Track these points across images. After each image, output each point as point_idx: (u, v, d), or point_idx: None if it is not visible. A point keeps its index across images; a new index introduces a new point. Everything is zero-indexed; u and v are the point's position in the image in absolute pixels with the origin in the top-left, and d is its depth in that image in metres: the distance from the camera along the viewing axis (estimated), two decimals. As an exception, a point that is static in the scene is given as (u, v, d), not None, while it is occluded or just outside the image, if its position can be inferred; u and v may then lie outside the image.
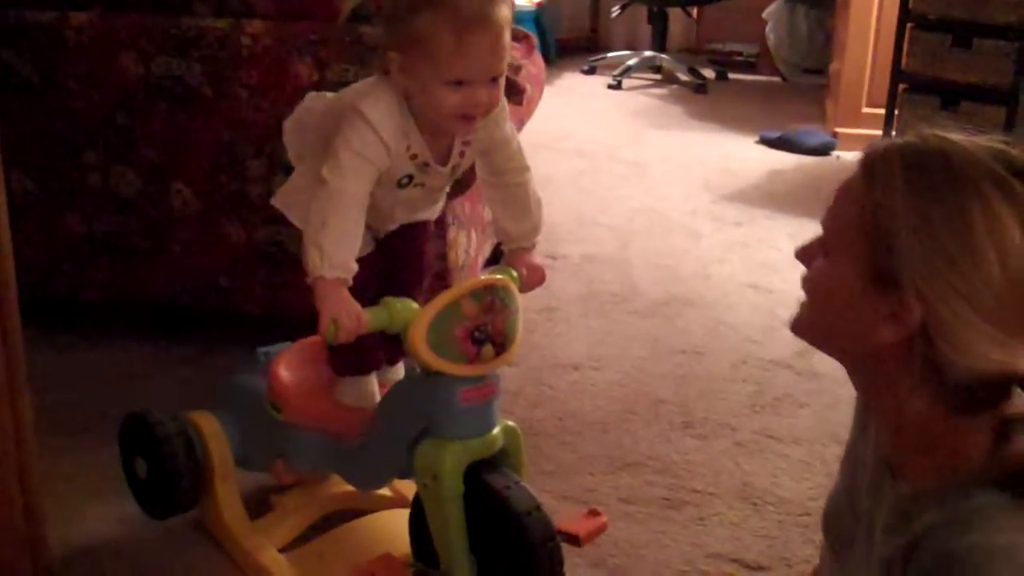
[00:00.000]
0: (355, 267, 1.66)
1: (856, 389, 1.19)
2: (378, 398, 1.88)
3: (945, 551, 1.00)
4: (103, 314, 2.77)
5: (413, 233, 1.94)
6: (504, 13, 1.64)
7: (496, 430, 1.71)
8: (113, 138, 2.53)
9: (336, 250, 1.64)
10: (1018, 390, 1.05)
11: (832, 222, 1.11)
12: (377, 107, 1.67)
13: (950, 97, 4.01)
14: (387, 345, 1.88)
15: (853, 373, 1.16)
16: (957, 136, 1.06)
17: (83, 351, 2.68)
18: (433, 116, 1.68)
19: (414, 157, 1.73)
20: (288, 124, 1.90)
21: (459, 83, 1.63)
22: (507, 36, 1.65)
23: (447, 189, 1.94)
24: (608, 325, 2.99)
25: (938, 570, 1.00)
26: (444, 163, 1.77)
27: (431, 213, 1.97)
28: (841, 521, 1.27)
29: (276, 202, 1.91)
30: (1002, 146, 1.04)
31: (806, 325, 1.16)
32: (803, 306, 1.16)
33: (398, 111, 1.69)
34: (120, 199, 2.58)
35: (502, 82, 1.68)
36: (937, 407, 1.05)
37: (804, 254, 1.15)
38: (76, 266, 2.67)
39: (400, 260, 1.93)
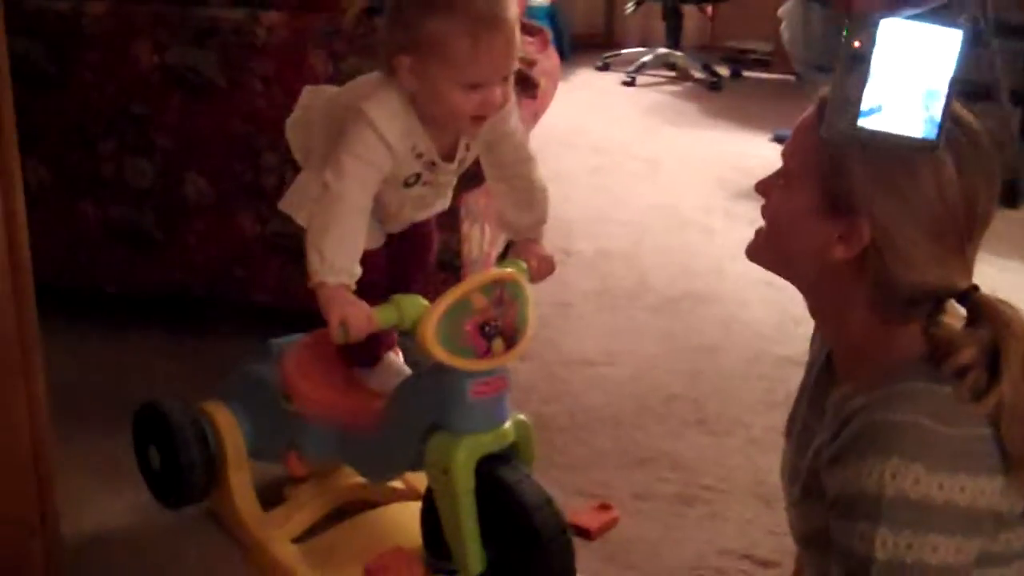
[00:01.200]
0: (358, 271, 1.65)
1: (808, 307, 1.30)
2: (402, 375, 1.88)
3: (867, 422, 1.12)
4: (116, 303, 2.77)
5: (420, 224, 1.94)
6: (514, 12, 1.65)
7: (507, 424, 1.71)
8: (128, 128, 2.54)
9: (338, 255, 1.63)
10: (952, 303, 1.19)
11: (791, 155, 1.23)
12: (382, 109, 1.67)
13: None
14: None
15: (805, 292, 1.28)
16: None
17: (97, 340, 2.68)
18: (447, 118, 1.68)
19: (420, 156, 1.73)
20: (290, 122, 1.89)
21: (475, 86, 1.62)
22: (518, 34, 1.65)
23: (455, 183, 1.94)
24: (622, 321, 2.98)
25: (855, 441, 1.12)
26: (450, 159, 1.77)
27: (441, 206, 1.97)
28: (794, 417, 1.42)
29: (283, 206, 1.90)
30: None
31: (764, 249, 1.29)
32: (759, 233, 1.29)
33: (403, 113, 1.68)
34: (135, 189, 2.58)
35: (511, 79, 1.69)
36: (876, 316, 1.19)
37: (763, 186, 1.28)
38: (91, 256, 2.67)
39: (407, 250, 1.93)
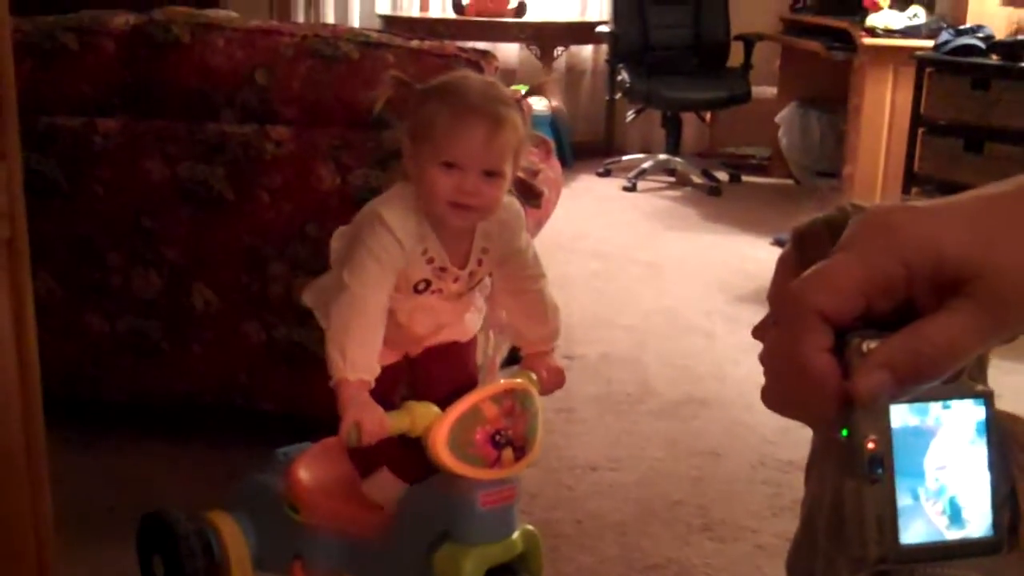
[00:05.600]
0: (377, 369, 1.67)
1: (821, 445, 1.27)
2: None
3: None
4: (121, 412, 2.78)
5: (444, 353, 1.90)
6: (510, 115, 1.68)
7: (515, 534, 1.71)
8: (137, 240, 2.57)
9: (359, 353, 1.65)
10: None
11: (773, 293, 1.21)
12: (394, 210, 1.71)
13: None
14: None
15: (816, 430, 1.22)
16: (873, 205, 1.15)
17: (101, 450, 2.68)
18: (429, 203, 1.70)
19: (431, 261, 1.75)
20: (338, 232, 1.91)
21: (450, 165, 1.66)
22: (508, 136, 1.67)
23: (482, 310, 1.93)
24: (625, 425, 2.98)
25: None
26: (462, 267, 1.79)
27: (461, 331, 1.92)
28: (803, 559, 1.34)
29: (307, 299, 1.92)
30: None
31: (769, 398, 1.23)
32: (766, 380, 1.23)
33: (415, 215, 1.72)
34: (142, 300, 2.61)
35: (501, 184, 1.70)
36: None
37: (758, 332, 1.22)
38: (97, 366, 2.69)
39: (430, 381, 1.88)
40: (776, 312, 1.21)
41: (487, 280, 1.88)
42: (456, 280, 1.80)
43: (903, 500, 0.73)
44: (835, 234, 1.15)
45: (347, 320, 1.67)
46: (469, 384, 1.84)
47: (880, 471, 0.70)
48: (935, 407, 0.72)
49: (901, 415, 0.70)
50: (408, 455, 1.78)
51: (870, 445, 0.69)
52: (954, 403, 0.72)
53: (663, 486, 2.64)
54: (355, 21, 6.48)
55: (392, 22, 6.23)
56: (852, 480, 0.70)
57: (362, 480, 1.91)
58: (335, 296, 1.71)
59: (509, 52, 6.35)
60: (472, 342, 1.96)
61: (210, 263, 2.55)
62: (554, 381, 1.85)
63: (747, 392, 3.16)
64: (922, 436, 0.72)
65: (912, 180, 4.27)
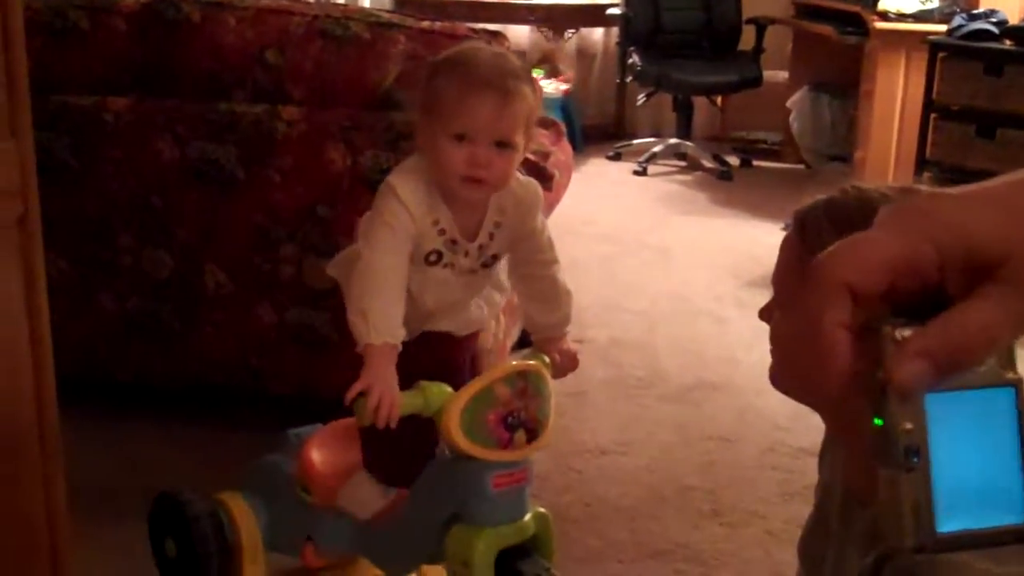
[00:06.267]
0: (403, 332, 1.67)
1: (828, 429, 1.28)
2: (373, 511, 1.86)
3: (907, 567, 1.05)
4: (133, 393, 2.78)
5: (438, 343, 1.86)
6: (520, 87, 1.68)
7: (527, 516, 1.71)
8: (148, 220, 2.57)
9: (380, 316, 1.65)
10: None
11: (777, 276, 1.22)
12: (406, 181, 1.72)
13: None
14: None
15: (824, 413, 1.24)
16: (875, 186, 1.18)
17: (113, 430, 2.68)
18: (442, 177, 1.71)
19: (442, 232, 1.75)
20: (364, 216, 1.89)
21: (461, 137, 1.66)
22: (518, 108, 1.68)
23: (494, 299, 1.91)
24: (635, 410, 2.98)
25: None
26: (472, 239, 1.78)
27: (464, 321, 1.88)
28: (815, 544, 1.33)
29: (331, 271, 1.92)
30: (921, 190, 1.14)
31: (778, 377, 1.25)
32: (773, 361, 1.25)
33: (425, 185, 1.72)
34: (153, 280, 2.60)
35: (512, 157, 1.70)
36: None
37: (765, 313, 1.25)
38: (109, 347, 2.69)
39: (426, 370, 1.80)
40: (778, 292, 1.22)
41: (503, 275, 1.87)
42: (467, 254, 1.79)
43: (938, 488, 0.72)
44: (834, 217, 1.16)
45: (366, 286, 1.67)
46: (454, 380, 1.77)
47: (916, 459, 0.69)
48: (966, 394, 0.71)
49: (932, 402, 0.69)
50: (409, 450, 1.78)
51: (906, 433, 0.69)
52: (985, 391, 0.71)
53: (673, 471, 2.64)
54: (366, 1, 6.46)
55: (404, 3, 6.20)
56: (887, 469, 0.69)
57: (362, 469, 1.90)
58: (354, 267, 1.71)
59: (520, 34, 6.33)
60: (467, 340, 1.93)
61: (221, 243, 2.55)
62: (567, 364, 1.85)
63: (758, 377, 3.13)
64: (954, 423, 0.71)
65: (924, 165, 4.25)
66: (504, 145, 1.68)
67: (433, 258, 1.78)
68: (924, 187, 1.18)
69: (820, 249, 1.14)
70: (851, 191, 1.19)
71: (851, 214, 1.17)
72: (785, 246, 1.22)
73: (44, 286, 1.62)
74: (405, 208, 1.70)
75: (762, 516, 2.43)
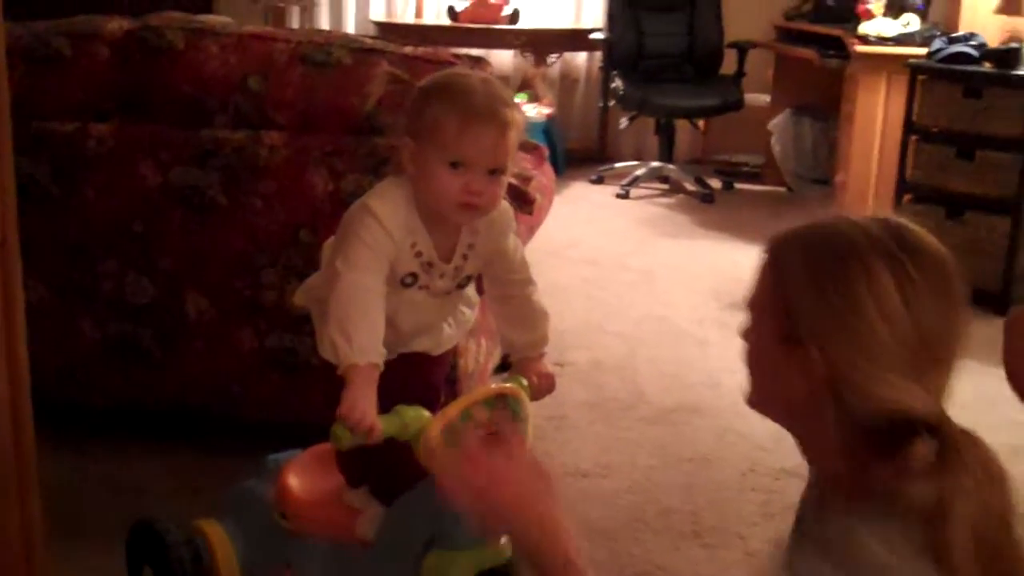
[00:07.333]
0: (384, 352, 1.66)
1: (797, 446, 1.30)
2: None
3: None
4: (111, 418, 2.78)
5: (415, 364, 1.87)
6: (513, 116, 1.69)
7: (504, 539, 1.71)
8: (129, 246, 2.57)
9: (363, 336, 1.64)
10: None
11: (751, 299, 1.26)
12: (385, 203, 1.72)
13: (954, 207, 4.07)
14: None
15: (792, 431, 1.28)
16: (852, 216, 1.22)
17: (90, 456, 2.68)
18: (435, 203, 1.71)
19: (419, 255, 1.76)
20: (328, 242, 1.90)
21: (458, 165, 1.67)
22: (512, 137, 1.69)
23: (464, 315, 1.92)
24: (616, 432, 2.99)
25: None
26: (448, 260, 1.80)
27: (436, 342, 1.90)
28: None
29: (298, 299, 1.91)
30: (899, 222, 1.20)
31: (751, 395, 1.31)
32: (748, 379, 1.30)
33: (404, 207, 1.73)
34: (134, 306, 2.60)
35: (503, 181, 1.72)
36: (848, 450, 1.18)
37: (743, 333, 1.29)
38: (89, 372, 2.68)
39: (403, 392, 1.79)
40: (751, 314, 1.25)
41: (471, 290, 1.89)
42: (443, 276, 1.80)
43: None
44: (805, 244, 1.20)
45: (347, 306, 1.66)
46: (431, 399, 1.80)
47: None
48: None
49: None
50: (391, 471, 1.78)
51: None
52: None
53: (654, 493, 2.65)
54: (349, 28, 6.48)
55: (386, 29, 6.23)
56: None
57: (348, 489, 1.91)
58: (332, 286, 1.70)
59: (503, 59, 6.36)
60: (443, 358, 1.95)
61: (203, 269, 2.55)
62: (545, 386, 1.85)
63: (739, 399, 3.11)
64: None
65: (904, 187, 4.28)
66: (496, 172, 1.70)
67: (408, 280, 1.78)
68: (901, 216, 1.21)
69: (789, 272, 1.19)
70: (827, 220, 1.23)
71: (821, 244, 1.20)
72: (759, 271, 1.25)
73: (22, 309, 1.63)
74: (385, 230, 1.71)
75: (743, 537, 2.44)
